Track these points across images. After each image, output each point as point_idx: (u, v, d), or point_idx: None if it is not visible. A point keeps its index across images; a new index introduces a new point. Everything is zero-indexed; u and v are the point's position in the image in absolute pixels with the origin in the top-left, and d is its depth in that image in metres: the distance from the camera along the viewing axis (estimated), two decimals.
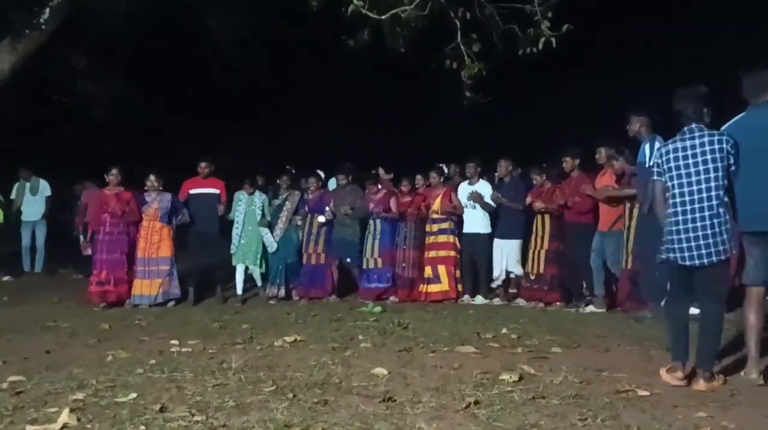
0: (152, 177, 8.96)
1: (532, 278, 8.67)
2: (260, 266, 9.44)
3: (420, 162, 10.55)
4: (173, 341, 5.72)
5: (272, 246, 9.31)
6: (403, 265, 9.26)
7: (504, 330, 6.24)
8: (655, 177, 4.56)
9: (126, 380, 4.34)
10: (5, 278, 10.98)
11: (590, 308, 7.94)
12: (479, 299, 8.93)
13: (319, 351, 5.30)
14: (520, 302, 8.72)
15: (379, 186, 9.82)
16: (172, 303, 8.82)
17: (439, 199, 9.21)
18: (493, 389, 4.06)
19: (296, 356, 5.13)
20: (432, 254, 9.14)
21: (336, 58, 11.94)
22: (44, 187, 11.64)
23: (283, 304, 8.89)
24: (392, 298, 9.14)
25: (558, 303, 8.41)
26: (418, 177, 9.87)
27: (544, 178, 8.75)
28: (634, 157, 7.26)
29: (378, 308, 7.86)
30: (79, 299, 8.85)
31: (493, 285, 9.07)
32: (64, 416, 3.45)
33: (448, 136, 14.88)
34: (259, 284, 9.57)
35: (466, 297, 8.99)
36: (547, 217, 8.60)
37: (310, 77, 15.53)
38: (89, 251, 9.04)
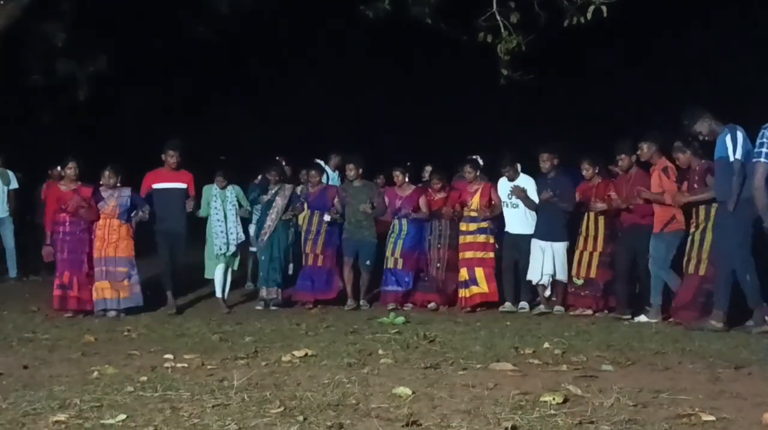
0: (107, 173, 8.94)
1: (580, 283, 8.68)
2: (233, 267, 9.52)
3: (431, 154, 10.56)
4: (167, 356, 5.78)
5: (231, 248, 9.30)
6: (438, 265, 9.32)
7: (546, 345, 6.23)
8: (763, 159, 4.53)
9: (114, 399, 4.39)
10: None
11: (642, 318, 7.94)
12: (508, 306, 8.97)
13: (333, 368, 5.33)
14: (558, 309, 8.75)
15: (406, 180, 9.66)
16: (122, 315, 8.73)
17: (477, 196, 9.22)
18: (533, 412, 4.05)
19: (307, 373, 5.16)
20: (468, 254, 9.18)
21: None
22: (12, 180, 11.70)
23: (291, 313, 8.95)
24: (431, 304, 9.21)
25: (606, 311, 8.48)
26: (428, 168, 9.88)
27: (596, 171, 8.72)
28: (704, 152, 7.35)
29: (400, 319, 7.89)
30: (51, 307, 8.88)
31: (547, 293, 9.03)
32: None
33: (477, 124, 14.87)
34: (219, 294, 9.42)
35: (508, 304, 9.00)
36: (600, 217, 8.59)
37: (310, 58, 15.61)
38: (51, 257, 9.00)
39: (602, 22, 7.91)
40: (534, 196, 9.01)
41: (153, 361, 5.66)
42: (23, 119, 13.85)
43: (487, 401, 4.31)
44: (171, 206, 9.11)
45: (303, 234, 9.60)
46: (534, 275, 8.92)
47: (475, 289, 9.07)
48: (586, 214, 8.71)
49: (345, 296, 9.43)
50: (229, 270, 9.46)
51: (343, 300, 9.39)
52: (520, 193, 8.99)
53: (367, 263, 9.48)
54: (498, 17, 8.59)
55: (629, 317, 8.13)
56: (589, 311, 8.55)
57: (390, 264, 9.35)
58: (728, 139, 7.06)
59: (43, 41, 11.76)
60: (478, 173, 9.38)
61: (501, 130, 13.83)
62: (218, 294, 9.39)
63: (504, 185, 9.25)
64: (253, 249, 10.11)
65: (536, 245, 8.94)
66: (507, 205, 9.18)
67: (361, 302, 9.45)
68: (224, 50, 14.65)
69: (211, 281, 9.52)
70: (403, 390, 4.51)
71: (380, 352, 5.95)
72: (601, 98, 14.47)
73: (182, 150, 9.26)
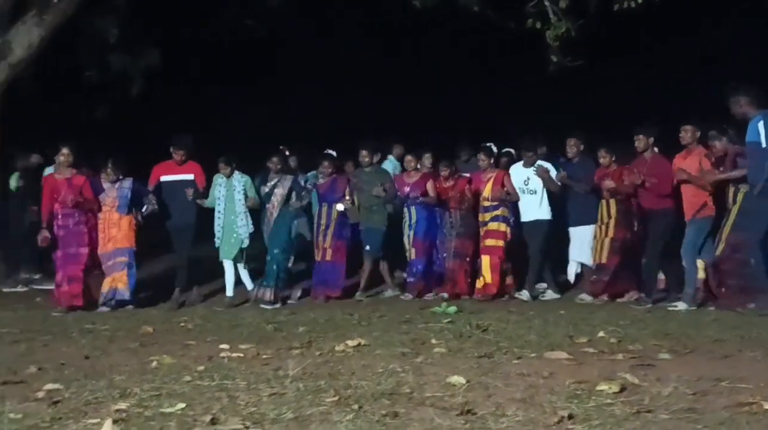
0: (108, 169, 8.76)
1: (594, 268, 8.74)
2: (243, 262, 9.31)
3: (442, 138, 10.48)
4: (223, 346, 5.85)
5: (245, 242, 9.13)
6: (444, 255, 9.27)
7: (601, 333, 6.17)
8: None
9: (172, 388, 4.47)
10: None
11: (682, 305, 7.87)
12: (525, 295, 8.96)
13: (386, 357, 5.35)
14: (586, 297, 8.75)
15: (418, 167, 9.67)
16: (130, 306, 8.75)
17: (490, 184, 9.12)
18: (589, 401, 4.02)
19: (361, 362, 5.18)
20: (483, 244, 9.14)
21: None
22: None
23: (343, 303, 9.01)
24: (442, 294, 9.16)
25: (628, 295, 8.57)
26: (427, 156, 9.72)
27: (612, 158, 8.63)
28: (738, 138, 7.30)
29: (453, 308, 7.89)
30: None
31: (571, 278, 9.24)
32: (107, 428, 3.57)
33: (496, 110, 14.69)
34: (249, 286, 9.35)
35: (524, 292, 9.01)
36: (612, 202, 8.57)
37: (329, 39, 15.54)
38: (47, 242, 8.84)
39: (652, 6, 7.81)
40: (555, 177, 9.03)
41: (209, 351, 5.75)
42: (77, 116, 14.14)
43: (542, 389, 4.28)
44: (179, 199, 9.01)
45: (314, 227, 9.46)
46: (572, 263, 9.09)
47: (480, 280, 9.05)
48: (602, 201, 8.70)
49: (352, 289, 9.43)
50: (241, 265, 9.27)
51: (350, 294, 9.43)
52: (544, 173, 8.90)
53: (367, 248, 9.41)
54: (546, 3, 8.52)
55: (650, 301, 8.20)
56: (605, 298, 8.58)
57: (412, 255, 9.38)
58: (761, 125, 7.02)
59: (96, 37, 11.99)
60: (491, 161, 9.29)
61: (525, 118, 13.67)
62: (228, 292, 9.27)
63: (519, 172, 9.16)
64: None
65: (572, 232, 9.02)
66: (524, 192, 9.11)
67: (358, 294, 9.37)
68: (270, 44, 14.75)
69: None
70: (458, 379, 4.50)
71: (433, 341, 5.95)
72: (646, 86, 14.24)
73: (190, 148, 9.17)
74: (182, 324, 7.43)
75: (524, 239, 9.19)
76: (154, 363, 5.27)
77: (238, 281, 9.43)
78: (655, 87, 13.42)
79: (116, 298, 8.67)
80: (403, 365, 4.98)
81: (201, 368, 5.04)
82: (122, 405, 4.07)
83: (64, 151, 8.58)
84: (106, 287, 8.70)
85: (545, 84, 11.86)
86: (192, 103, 14.80)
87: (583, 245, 8.90)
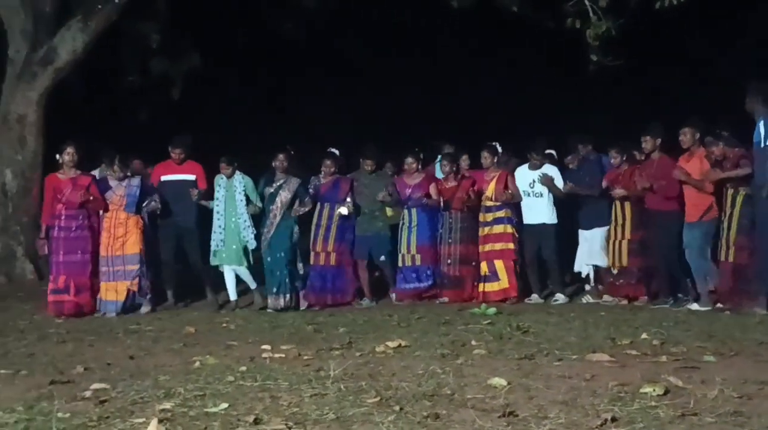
0: (115, 166, 8.35)
1: (615, 272, 8.64)
2: (246, 264, 8.86)
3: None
4: (264, 346, 5.91)
5: (251, 243, 8.76)
6: (449, 261, 9.00)
7: (644, 335, 6.11)
8: None
9: (216, 388, 4.53)
10: None
11: (694, 306, 7.86)
12: (535, 298, 8.90)
13: (426, 358, 5.35)
14: (607, 299, 8.71)
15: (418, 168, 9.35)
16: (147, 308, 8.46)
17: (493, 184, 8.93)
18: (633, 403, 3.99)
19: (401, 363, 5.20)
20: (487, 247, 8.96)
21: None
22: None
23: (382, 304, 9.03)
24: (442, 299, 8.96)
25: (644, 298, 8.50)
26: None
27: (624, 158, 8.54)
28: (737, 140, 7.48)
29: (492, 310, 7.87)
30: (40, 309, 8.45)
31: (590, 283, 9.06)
32: (152, 427, 3.63)
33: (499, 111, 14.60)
34: (252, 285, 8.98)
35: (534, 297, 8.92)
36: (627, 203, 8.53)
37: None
38: (45, 250, 8.54)
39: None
40: (560, 184, 8.92)
41: (251, 351, 5.81)
42: (120, 118, 14.37)
43: (584, 392, 4.26)
44: (180, 199, 8.68)
45: (312, 229, 8.94)
46: (581, 266, 8.99)
47: (495, 284, 8.85)
48: (615, 202, 8.64)
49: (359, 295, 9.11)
50: (243, 268, 8.82)
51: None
52: (548, 181, 8.82)
53: (382, 258, 9.06)
54: (587, 2, 8.47)
55: (671, 302, 8.13)
56: (625, 302, 8.51)
57: (407, 262, 9.02)
58: (762, 125, 7.05)
59: (138, 41, 12.20)
60: (495, 160, 9.10)
61: (528, 119, 13.54)
62: (231, 296, 8.92)
63: (525, 174, 9.05)
64: None
65: (582, 235, 8.91)
66: (529, 195, 8.97)
67: (364, 301, 8.96)
68: (311, 46, 14.84)
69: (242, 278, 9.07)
70: (498, 381, 4.49)
71: (473, 343, 5.95)
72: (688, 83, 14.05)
73: (188, 147, 8.87)
74: (224, 325, 7.51)
75: (523, 241, 9.05)
76: (198, 363, 5.34)
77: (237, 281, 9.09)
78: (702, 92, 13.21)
79: (137, 302, 8.35)
80: (444, 367, 4.99)
81: (243, 368, 5.10)
82: (167, 405, 4.13)
83: (69, 150, 8.15)
84: (108, 295, 8.22)
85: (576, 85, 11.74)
86: (234, 104, 14.98)
87: (595, 248, 8.82)
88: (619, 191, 8.48)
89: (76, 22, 9.93)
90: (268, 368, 5.14)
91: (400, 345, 5.82)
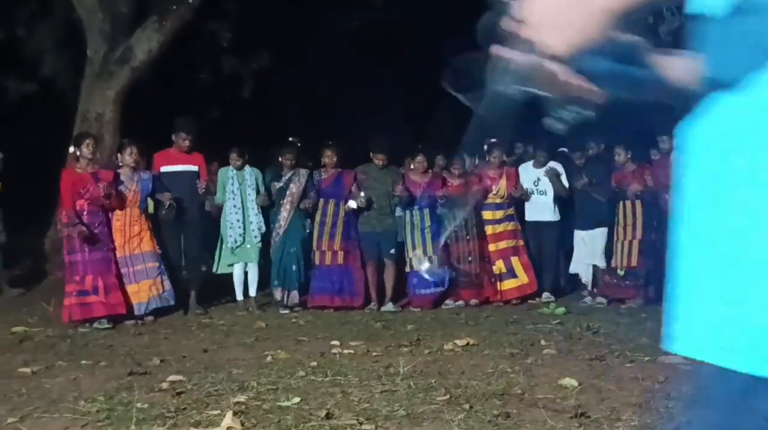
0: (128, 149, 7.70)
1: (621, 273, 8.43)
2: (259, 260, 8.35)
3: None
4: (334, 342, 5.99)
5: (252, 234, 8.23)
6: (469, 259, 8.58)
7: None
8: None
9: (288, 382, 4.62)
10: None
11: None
12: (546, 296, 8.68)
13: (495, 357, 5.36)
14: (601, 300, 8.49)
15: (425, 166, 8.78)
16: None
17: (504, 182, 8.69)
18: None
19: (470, 361, 5.22)
20: (502, 245, 8.67)
21: None
22: None
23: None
24: (458, 302, 8.45)
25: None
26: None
27: (629, 156, 8.35)
28: None
29: (561, 309, 7.81)
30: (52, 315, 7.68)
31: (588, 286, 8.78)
32: (228, 420, 3.73)
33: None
34: (253, 289, 8.41)
35: (546, 295, 8.69)
36: (638, 203, 8.32)
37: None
38: (78, 232, 7.32)
39: None
40: (565, 181, 8.73)
41: (321, 347, 5.90)
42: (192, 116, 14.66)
43: (658, 394, 4.21)
44: (181, 191, 8.03)
45: (317, 227, 8.41)
46: (578, 268, 8.75)
47: (513, 282, 8.59)
48: (621, 202, 8.42)
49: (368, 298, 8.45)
50: (254, 265, 8.31)
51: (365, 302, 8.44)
52: (553, 175, 8.66)
53: (392, 252, 8.44)
54: None
55: None
56: (632, 303, 8.25)
57: (422, 265, 7.87)
58: None
59: (210, 40, 12.43)
60: (503, 158, 8.91)
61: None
62: (238, 295, 8.29)
63: (529, 172, 8.89)
64: None
65: (578, 236, 8.68)
66: (534, 192, 8.81)
67: (390, 306, 8.25)
68: (377, 41, 14.85)
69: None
70: (569, 381, 4.48)
71: (543, 342, 5.93)
72: None
73: (196, 133, 8.23)
74: (293, 320, 7.61)
75: (525, 238, 8.86)
76: (269, 358, 5.45)
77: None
78: None
79: (161, 304, 7.64)
80: (513, 366, 4.99)
81: (314, 363, 5.19)
82: (241, 398, 4.24)
83: (87, 141, 7.58)
84: (145, 296, 7.51)
85: None
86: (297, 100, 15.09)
87: (597, 249, 8.61)
88: (635, 187, 8.27)
89: (151, 23, 10.15)
90: (338, 363, 5.20)
91: (468, 343, 5.84)
